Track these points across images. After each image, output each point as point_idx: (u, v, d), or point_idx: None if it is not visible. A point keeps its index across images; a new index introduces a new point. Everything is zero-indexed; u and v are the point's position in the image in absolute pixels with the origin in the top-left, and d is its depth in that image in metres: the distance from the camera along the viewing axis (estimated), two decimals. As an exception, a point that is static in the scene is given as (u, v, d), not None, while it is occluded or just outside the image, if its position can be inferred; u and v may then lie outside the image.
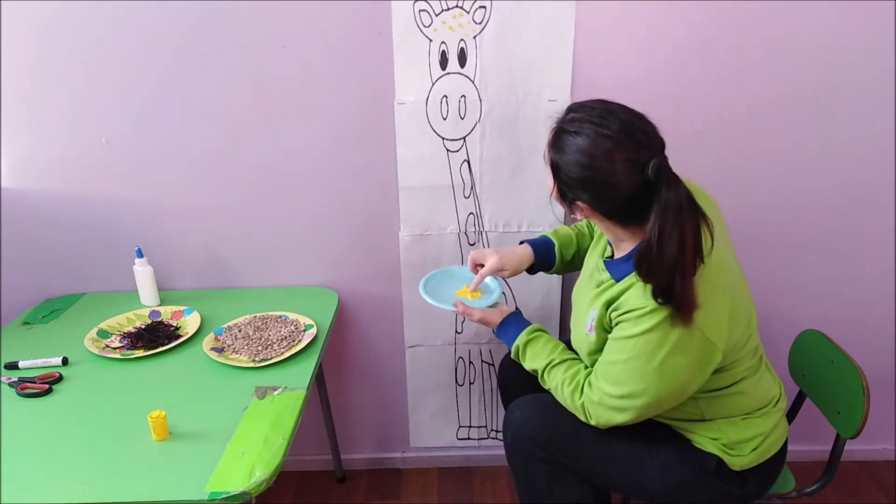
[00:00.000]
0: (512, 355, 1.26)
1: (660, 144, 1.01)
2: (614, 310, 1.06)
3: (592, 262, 1.22)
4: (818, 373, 1.33)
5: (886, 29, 1.41)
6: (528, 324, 1.26)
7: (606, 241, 1.19)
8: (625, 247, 1.10)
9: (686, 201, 0.95)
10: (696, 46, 1.42)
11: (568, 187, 1.05)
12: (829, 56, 1.43)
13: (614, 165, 0.98)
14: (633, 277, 1.04)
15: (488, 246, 1.60)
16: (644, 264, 0.96)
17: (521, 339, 1.23)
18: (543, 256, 1.36)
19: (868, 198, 1.57)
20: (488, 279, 1.43)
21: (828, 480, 1.26)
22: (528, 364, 1.22)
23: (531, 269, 1.38)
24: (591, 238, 1.36)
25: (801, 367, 1.38)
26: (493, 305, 1.32)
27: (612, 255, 1.16)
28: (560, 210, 1.55)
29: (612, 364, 1.06)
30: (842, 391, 1.23)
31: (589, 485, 1.20)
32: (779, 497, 1.27)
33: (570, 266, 1.39)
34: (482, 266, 1.33)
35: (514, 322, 1.27)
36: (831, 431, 1.26)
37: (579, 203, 1.06)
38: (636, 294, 1.02)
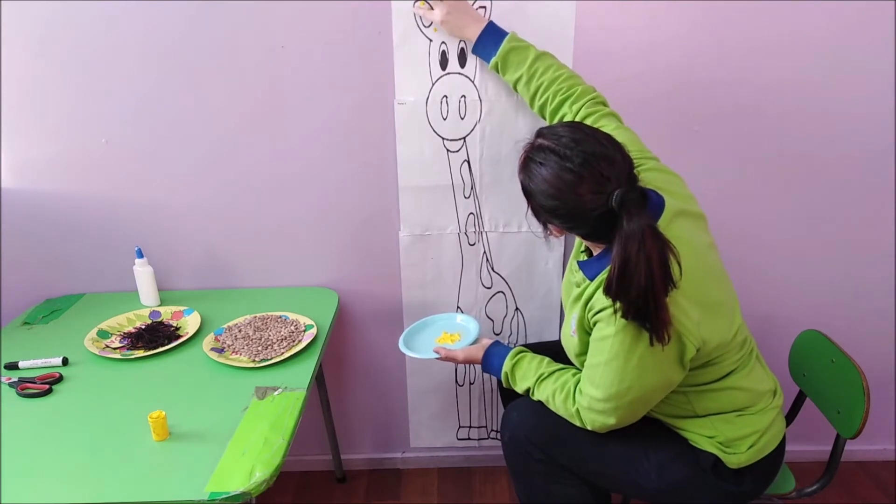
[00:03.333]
0: (504, 385, 1.27)
1: (626, 170, 1.00)
2: (590, 310, 1.07)
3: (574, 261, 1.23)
4: (818, 373, 1.33)
5: (887, 28, 1.41)
6: (510, 349, 1.27)
7: None
8: (600, 248, 1.10)
9: (648, 232, 0.94)
10: (695, 46, 1.42)
11: (539, 212, 1.08)
12: (829, 56, 1.43)
13: (580, 198, 0.98)
14: (604, 274, 1.04)
15: (489, 247, 1.60)
16: (612, 290, 0.97)
17: (507, 365, 1.25)
18: (492, 40, 1.33)
19: (868, 198, 1.57)
20: (465, 320, 1.49)
21: (828, 481, 1.26)
22: (520, 386, 1.23)
23: (476, 48, 1.36)
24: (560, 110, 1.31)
25: (802, 367, 1.38)
26: (474, 343, 1.35)
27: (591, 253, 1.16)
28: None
29: (594, 367, 1.06)
30: (842, 391, 1.23)
31: (587, 484, 1.21)
32: (779, 497, 1.27)
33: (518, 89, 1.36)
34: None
35: (495, 353, 1.29)
36: (831, 431, 1.26)
37: (551, 226, 1.10)
38: None
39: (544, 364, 1.21)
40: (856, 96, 1.47)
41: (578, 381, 1.13)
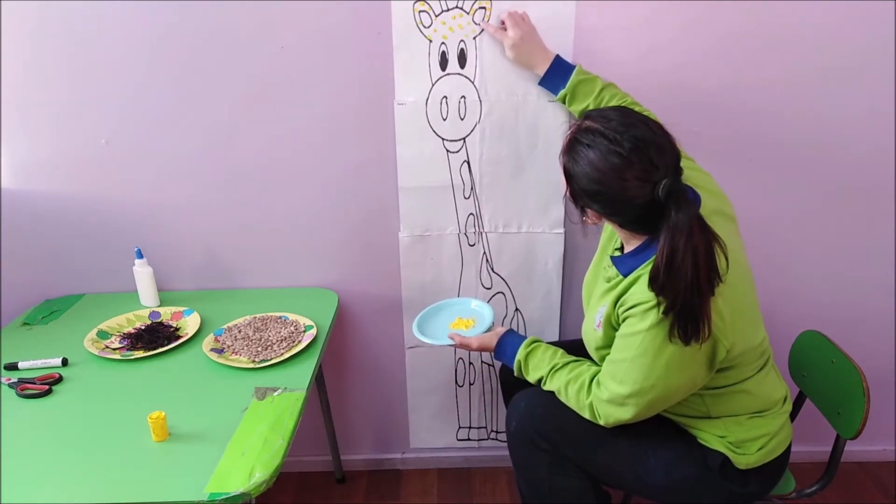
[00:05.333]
0: (515, 373, 1.27)
1: (674, 160, 0.99)
2: (621, 305, 1.06)
3: (606, 256, 1.22)
4: (818, 373, 1.32)
5: (887, 28, 1.41)
6: (524, 338, 1.27)
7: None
8: (634, 242, 1.10)
9: (696, 223, 0.94)
10: (695, 47, 1.42)
11: (579, 195, 1.06)
12: (829, 57, 1.43)
13: (625, 184, 0.97)
14: (640, 270, 1.04)
15: (489, 247, 1.60)
16: (658, 283, 0.96)
17: (521, 353, 1.24)
18: (559, 73, 1.35)
19: (868, 198, 1.57)
20: (479, 306, 1.48)
21: (828, 481, 1.26)
22: (532, 376, 1.23)
23: (543, 81, 1.37)
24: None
25: (802, 368, 1.38)
26: (488, 329, 1.35)
27: (623, 248, 1.16)
28: (560, 214, 1.55)
29: (619, 362, 1.06)
30: (842, 392, 1.23)
31: (590, 478, 1.20)
32: (778, 498, 1.27)
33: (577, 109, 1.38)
34: (503, 29, 1.35)
35: (509, 341, 1.28)
36: (831, 432, 1.26)
37: (589, 210, 1.07)
38: (641, 288, 1.02)
39: (558, 355, 1.21)
40: (856, 96, 1.47)
41: (594, 374, 1.13)
